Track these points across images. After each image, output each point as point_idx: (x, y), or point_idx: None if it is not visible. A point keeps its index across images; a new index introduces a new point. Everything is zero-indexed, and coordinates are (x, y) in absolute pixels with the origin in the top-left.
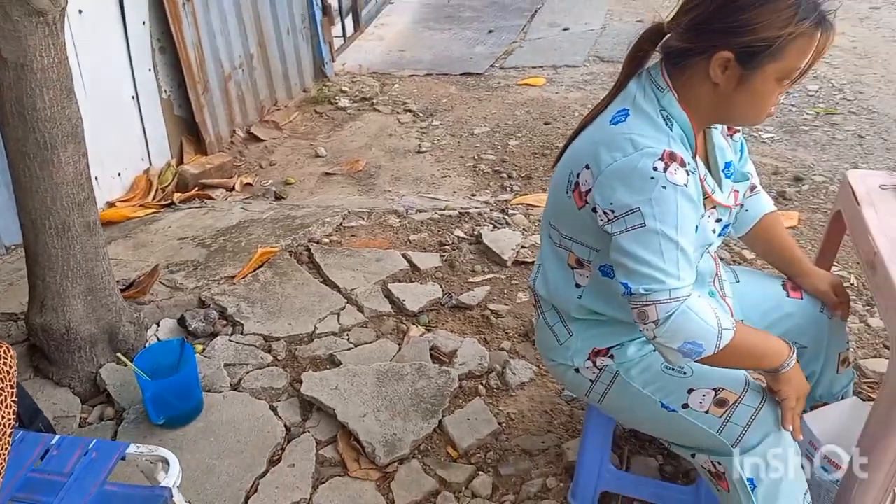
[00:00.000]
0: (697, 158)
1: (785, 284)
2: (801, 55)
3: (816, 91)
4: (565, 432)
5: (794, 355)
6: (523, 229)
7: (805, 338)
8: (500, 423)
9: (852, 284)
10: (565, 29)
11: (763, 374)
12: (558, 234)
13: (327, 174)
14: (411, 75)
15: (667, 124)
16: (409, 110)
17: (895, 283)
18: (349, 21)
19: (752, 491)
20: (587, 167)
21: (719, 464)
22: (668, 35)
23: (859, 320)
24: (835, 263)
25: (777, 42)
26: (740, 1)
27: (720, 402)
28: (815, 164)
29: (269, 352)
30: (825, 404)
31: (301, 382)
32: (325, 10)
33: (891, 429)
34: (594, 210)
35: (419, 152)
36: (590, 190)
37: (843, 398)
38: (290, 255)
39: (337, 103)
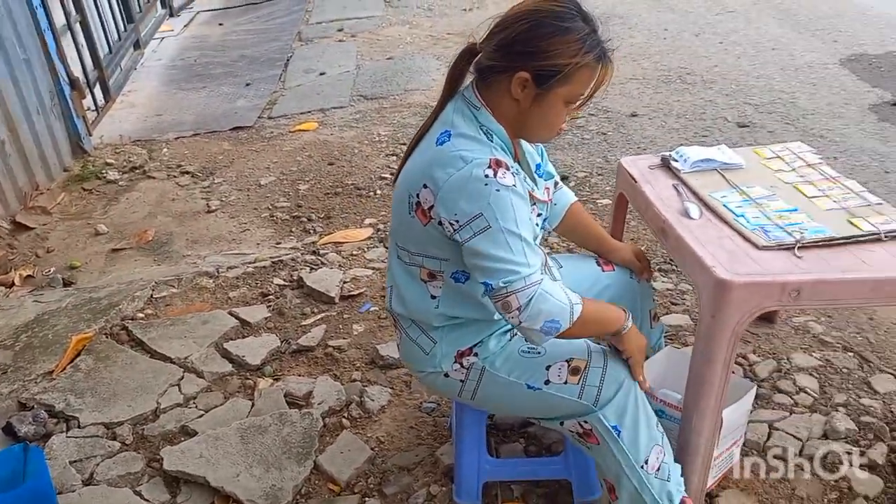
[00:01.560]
0: (516, 163)
1: (598, 261)
2: (585, 83)
3: None
4: (434, 441)
5: (630, 317)
6: (339, 265)
7: (623, 303)
8: (372, 449)
9: None
10: (322, 73)
11: (608, 337)
12: (408, 253)
13: (115, 250)
14: (178, 137)
15: (487, 137)
16: (187, 172)
17: (687, 241)
18: (98, 92)
19: (619, 436)
20: (425, 186)
21: (585, 422)
22: (480, 54)
23: None
24: None
25: (566, 69)
26: (540, 30)
27: (574, 371)
28: (573, 162)
29: (114, 439)
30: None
31: (160, 460)
32: (74, 83)
33: (712, 362)
34: (440, 223)
35: (209, 212)
36: (432, 206)
37: (658, 349)
38: (108, 337)
39: (105, 177)
